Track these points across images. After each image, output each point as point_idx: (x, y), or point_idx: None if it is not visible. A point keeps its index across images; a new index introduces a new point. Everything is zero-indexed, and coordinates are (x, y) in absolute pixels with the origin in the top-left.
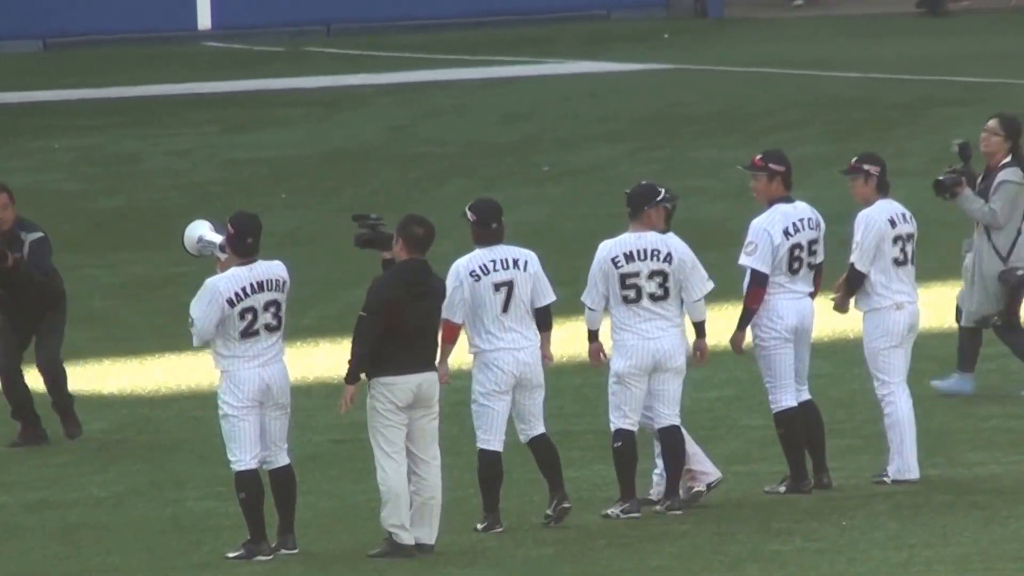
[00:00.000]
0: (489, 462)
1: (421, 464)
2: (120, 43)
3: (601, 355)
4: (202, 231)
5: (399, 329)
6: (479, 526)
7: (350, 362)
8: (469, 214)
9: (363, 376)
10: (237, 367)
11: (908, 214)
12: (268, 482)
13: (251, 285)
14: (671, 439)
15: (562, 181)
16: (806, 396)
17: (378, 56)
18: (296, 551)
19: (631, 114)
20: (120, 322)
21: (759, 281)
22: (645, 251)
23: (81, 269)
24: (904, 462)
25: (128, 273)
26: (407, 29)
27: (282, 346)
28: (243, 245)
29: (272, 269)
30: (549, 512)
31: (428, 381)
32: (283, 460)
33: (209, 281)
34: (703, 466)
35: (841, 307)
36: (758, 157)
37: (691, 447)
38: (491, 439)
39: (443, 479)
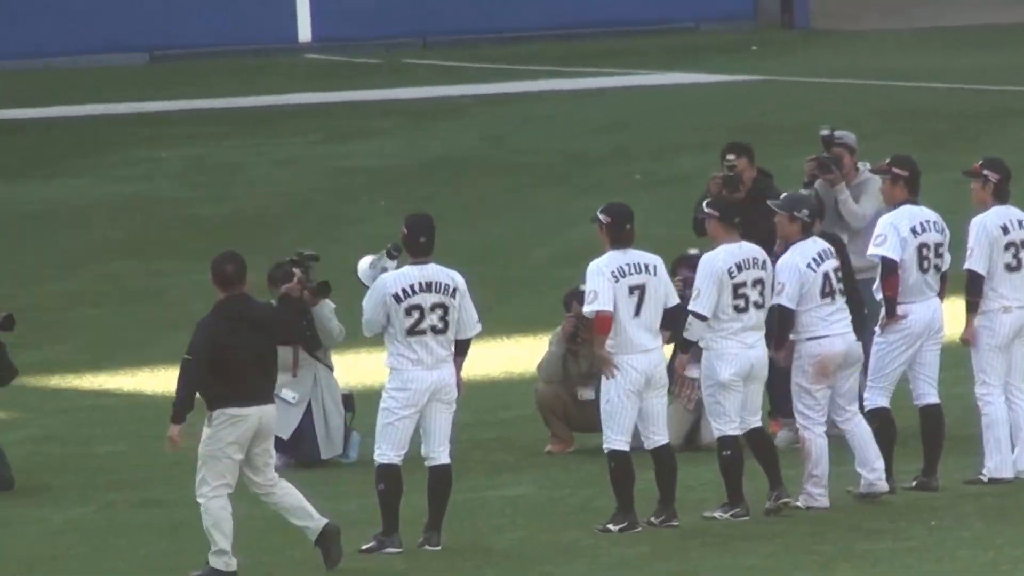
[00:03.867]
0: (620, 462)
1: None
2: (224, 55)
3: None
4: (368, 261)
5: (231, 364)
6: (613, 527)
7: (174, 404)
8: (602, 217)
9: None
10: (405, 366)
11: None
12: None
13: (419, 284)
14: (759, 439)
15: (653, 189)
16: (934, 399)
17: (473, 67)
18: (439, 548)
19: (720, 124)
20: None
21: (890, 269)
22: (749, 261)
23: (186, 275)
24: (1001, 460)
25: None
26: (501, 41)
27: (451, 349)
28: (416, 244)
29: (444, 273)
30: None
31: (268, 414)
32: (444, 459)
33: (381, 276)
34: (819, 488)
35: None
36: (886, 162)
37: (819, 467)
38: (620, 439)
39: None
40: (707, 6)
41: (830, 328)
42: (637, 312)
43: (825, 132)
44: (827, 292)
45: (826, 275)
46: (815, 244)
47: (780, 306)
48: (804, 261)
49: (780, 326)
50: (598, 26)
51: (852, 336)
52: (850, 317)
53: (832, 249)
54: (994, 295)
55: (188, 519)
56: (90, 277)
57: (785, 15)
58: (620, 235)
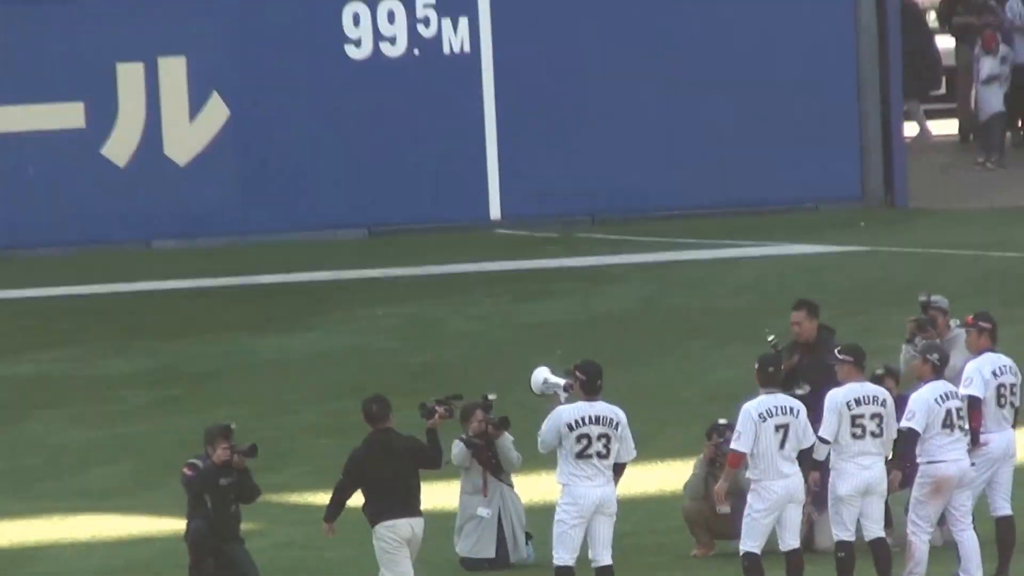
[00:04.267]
0: (752, 562)
1: None
2: (429, 231)
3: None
4: (545, 374)
5: (377, 484)
6: None
7: (327, 507)
8: (756, 364)
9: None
10: (575, 483)
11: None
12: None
13: (589, 417)
14: (881, 549)
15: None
16: (1007, 512)
17: (633, 240)
18: None
19: (834, 286)
20: None
21: (976, 405)
22: (868, 397)
23: (399, 411)
24: None
25: None
26: (655, 218)
27: (611, 471)
28: (592, 386)
29: (610, 409)
30: None
31: (417, 524)
32: (607, 560)
33: (557, 408)
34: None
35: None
36: (970, 317)
37: (919, 567)
38: (754, 545)
39: None
40: (823, 189)
41: (947, 455)
42: (781, 446)
43: (923, 298)
44: (947, 424)
45: (948, 411)
46: (944, 385)
47: (909, 428)
48: (933, 396)
49: (905, 446)
50: (738, 205)
51: (966, 462)
52: (967, 446)
53: (955, 391)
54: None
55: None
56: (319, 413)
57: (887, 196)
58: (768, 379)
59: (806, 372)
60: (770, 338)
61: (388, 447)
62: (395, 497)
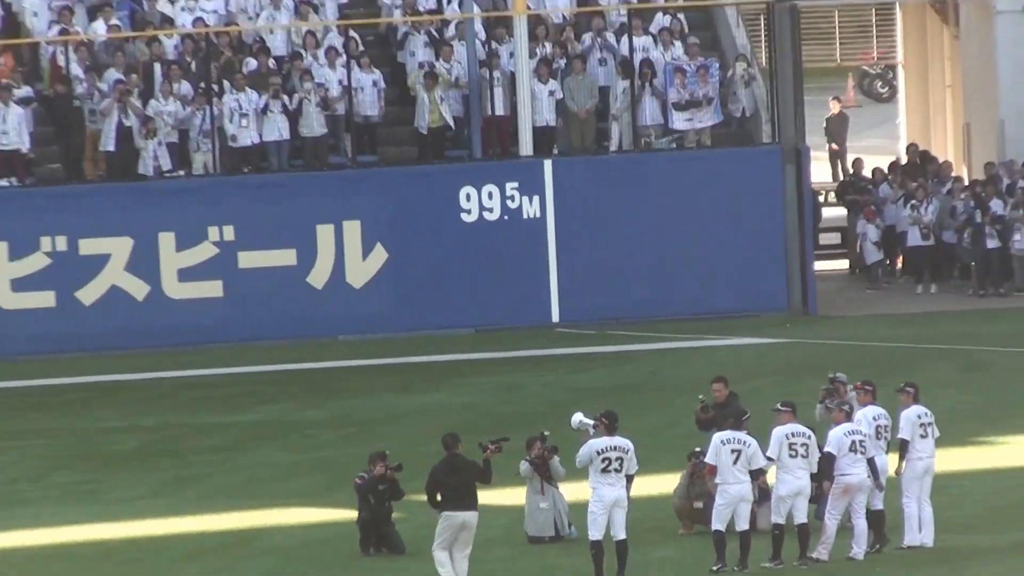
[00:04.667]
0: (718, 536)
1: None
2: (512, 328)
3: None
4: (580, 417)
5: (445, 490)
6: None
7: (429, 501)
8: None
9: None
10: (600, 487)
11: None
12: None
13: (610, 446)
14: (803, 530)
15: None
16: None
17: (643, 335)
18: None
19: (769, 365)
20: None
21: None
22: (800, 432)
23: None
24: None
25: None
26: (654, 320)
27: (623, 480)
28: (612, 426)
29: (623, 441)
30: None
31: (469, 516)
32: (623, 536)
33: (590, 440)
34: (826, 551)
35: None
36: (858, 383)
37: (830, 541)
38: (719, 525)
39: None
40: (762, 303)
41: (851, 470)
42: (735, 463)
43: (831, 375)
44: (852, 450)
45: (854, 442)
46: (851, 425)
47: (828, 452)
48: (844, 432)
49: (827, 464)
50: (703, 313)
51: (864, 476)
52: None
53: (858, 429)
54: (914, 451)
55: None
56: (440, 444)
57: (804, 307)
58: (736, 422)
59: (718, 420)
60: (700, 397)
61: (454, 466)
62: (456, 499)
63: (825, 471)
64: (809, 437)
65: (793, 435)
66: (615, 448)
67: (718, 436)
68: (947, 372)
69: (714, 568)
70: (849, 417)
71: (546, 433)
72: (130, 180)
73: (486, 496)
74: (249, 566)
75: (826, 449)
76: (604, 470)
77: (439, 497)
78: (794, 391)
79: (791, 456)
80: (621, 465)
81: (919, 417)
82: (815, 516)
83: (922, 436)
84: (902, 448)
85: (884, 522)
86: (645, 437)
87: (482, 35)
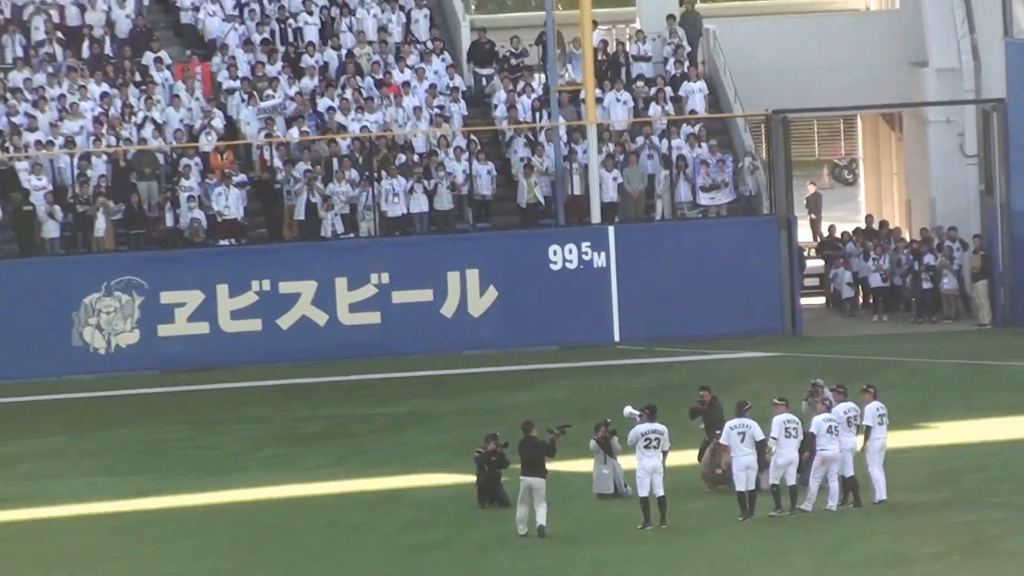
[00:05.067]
0: (741, 496)
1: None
2: (586, 345)
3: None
4: (630, 408)
5: (522, 460)
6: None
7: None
8: (735, 406)
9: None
10: (644, 459)
11: (854, 407)
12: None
13: (651, 430)
14: (793, 489)
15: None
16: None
17: (679, 350)
18: (665, 525)
19: (765, 373)
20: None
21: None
22: (792, 419)
23: (573, 428)
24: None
25: None
26: (687, 340)
27: (660, 455)
28: (652, 415)
29: (660, 426)
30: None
31: (536, 481)
32: (660, 493)
33: (636, 426)
34: (809, 505)
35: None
36: (835, 386)
37: (812, 499)
38: (741, 485)
39: None
40: (760, 326)
41: (828, 446)
42: (742, 441)
43: (813, 380)
44: (829, 431)
45: (831, 426)
46: (830, 415)
47: (810, 433)
48: (824, 419)
49: (811, 441)
50: (720, 335)
51: (837, 451)
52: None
53: (833, 417)
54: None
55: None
56: (537, 429)
57: (793, 329)
58: (740, 412)
59: (706, 415)
60: (703, 390)
61: (528, 444)
62: (528, 468)
63: (808, 447)
64: (798, 423)
65: (788, 421)
66: (654, 431)
67: (729, 423)
68: (896, 377)
69: (740, 519)
70: (828, 409)
71: (608, 420)
72: (315, 240)
73: (566, 466)
74: (402, 513)
75: (810, 431)
76: (646, 447)
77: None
78: (786, 390)
79: (786, 436)
80: (659, 443)
81: (877, 410)
82: (801, 481)
83: (879, 423)
84: (866, 432)
85: (857, 486)
86: (678, 424)
87: (564, 138)
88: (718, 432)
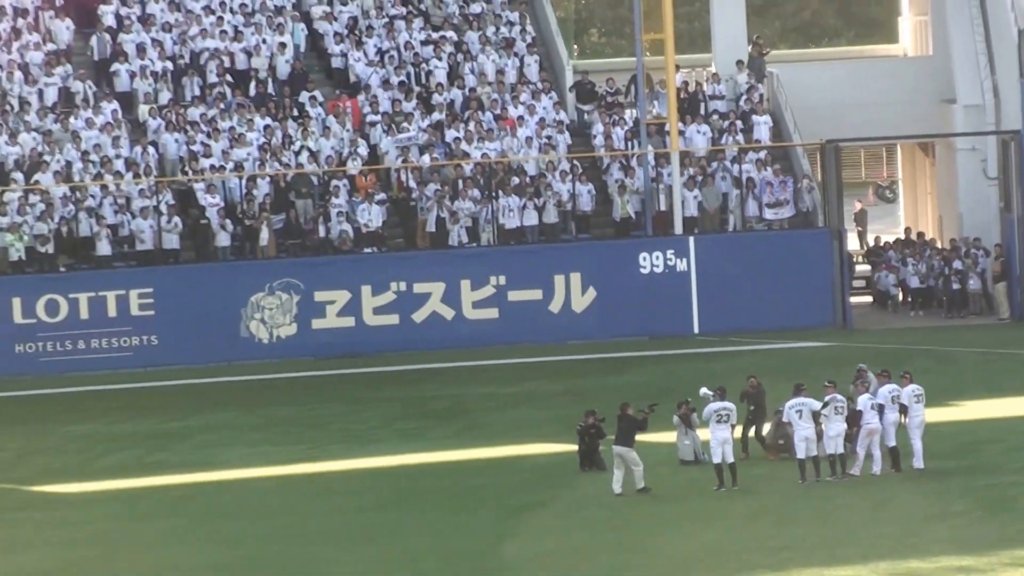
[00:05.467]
0: (799, 463)
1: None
2: (672, 336)
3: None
4: (704, 389)
5: (618, 432)
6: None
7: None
8: (793, 387)
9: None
10: (716, 431)
11: (897, 387)
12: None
13: (722, 407)
14: (842, 456)
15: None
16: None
17: (747, 340)
18: (737, 487)
19: (819, 359)
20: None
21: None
22: (839, 398)
23: (659, 407)
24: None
25: None
26: (752, 331)
27: (730, 427)
28: (723, 395)
29: (729, 403)
30: None
31: (625, 450)
32: (731, 459)
33: (709, 404)
34: (856, 470)
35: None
36: (880, 371)
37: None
38: (800, 453)
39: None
40: (816, 320)
41: (871, 421)
42: (800, 417)
43: (860, 365)
44: (873, 409)
45: (873, 404)
46: (869, 397)
47: (857, 410)
48: (867, 398)
49: (857, 417)
50: (777, 328)
51: (878, 424)
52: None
53: (874, 398)
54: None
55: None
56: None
57: (844, 323)
58: (796, 392)
59: (753, 398)
60: (751, 378)
61: (623, 419)
62: (620, 438)
63: (855, 421)
64: (843, 401)
65: (837, 399)
66: (725, 408)
67: (788, 403)
68: (930, 363)
69: (800, 482)
70: (868, 389)
71: (688, 399)
72: (443, 248)
73: (655, 437)
74: (515, 476)
75: (857, 407)
76: (718, 421)
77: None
78: (837, 374)
79: (836, 413)
80: (728, 418)
81: (913, 391)
82: (849, 449)
83: (916, 402)
84: (903, 410)
85: (899, 454)
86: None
87: (652, 163)
88: (780, 409)
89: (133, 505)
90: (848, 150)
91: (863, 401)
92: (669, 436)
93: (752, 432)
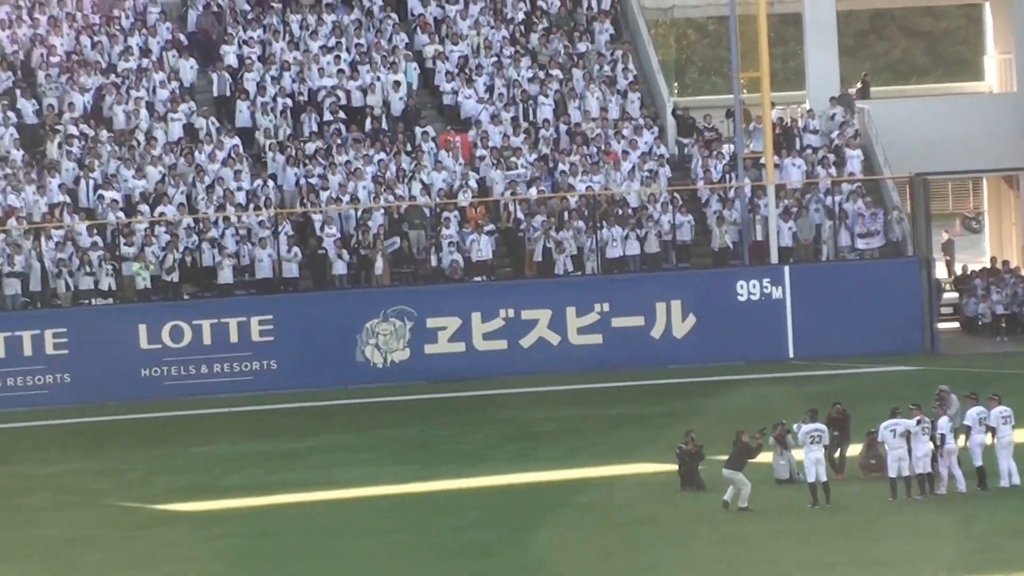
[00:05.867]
0: (890, 481)
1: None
2: (771, 360)
3: None
4: (797, 424)
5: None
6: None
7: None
8: (890, 411)
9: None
10: (809, 451)
11: (983, 409)
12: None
13: (814, 428)
14: (929, 476)
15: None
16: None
17: (834, 364)
18: (830, 505)
19: (910, 382)
20: None
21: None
22: (925, 419)
23: (764, 433)
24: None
25: None
26: (841, 357)
27: (822, 448)
28: (815, 416)
29: (820, 425)
30: None
31: (733, 473)
32: (824, 478)
33: (803, 426)
34: (943, 489)
35: None
36: (967, 392)
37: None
38: (893, 475)
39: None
40: (907, 346)
41: (952, 442)
42: (894, 436)
43: (941, 386)
44: (952, 431)
45: (952, 425)
46: (947, 419)
47: (942, 434)
48: (945, 421)
49: (939, 440)
50: (869, 352)
51: (954, 446)
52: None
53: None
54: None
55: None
56: (726, 430)
57: (932, 348)
58: (892, 414)
59: (838, 423)
60: (836, 404)
61: (737, 444)
62: (732, 462)
63: (937, 442)
64: (929, 422)
65: (920, 422)
66: (817, 430)
67: (883, 424)
68: (1016, 386)
69: (891, 499)
70: (947, 411)
71: (783, 421)
72: (550, 277)
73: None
74: (619, 494)
75: (938, 431)
76: (811, 442)
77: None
78: (925, 397)
79: (923, 433)
80: (820, 439)
81: (1002, 412)
82: (935, 469)
83: (1004, 423)
84: (991, 431)
85: (985, 474)
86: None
87: (749, 195)
88: (872, 430)
89: (254, 522)
90: (936, 183)
91: (942, 423)
92: (766, 456)
93: (836, 454)
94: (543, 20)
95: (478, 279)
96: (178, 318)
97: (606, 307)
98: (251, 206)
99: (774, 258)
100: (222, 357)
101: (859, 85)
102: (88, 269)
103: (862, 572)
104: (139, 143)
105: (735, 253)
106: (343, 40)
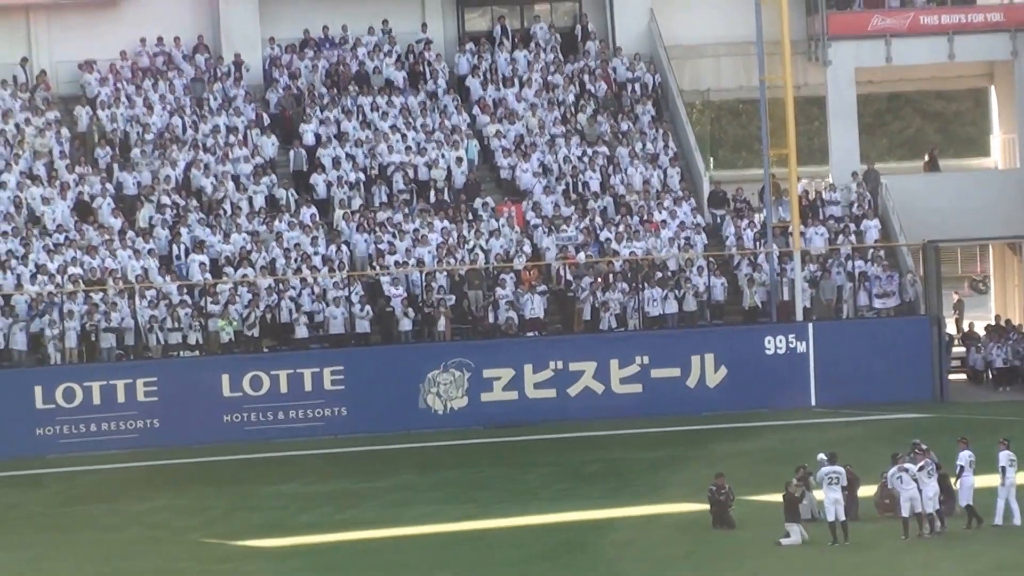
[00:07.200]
0: (903, 520)
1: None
2: (792, 408)
3: None
4: (821, 455)
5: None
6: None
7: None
8: (891, 457)
9: None
10: (828, 491)
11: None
12: None
13: (832, 471)
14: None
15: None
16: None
17: (850, 412)
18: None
19: (920, 428)
20: None
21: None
22: (931, 462)
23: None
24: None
25: None
26: (863, 405)
27: (840, 488)
28: (833, 459)
29: (839, 467)
30: None
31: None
32: (843, 517)
33: (822, 468)
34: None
35: None
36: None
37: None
38: (904, 514)
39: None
40: (917, 395)
41: (966, 477)
42: (900, 481)
43: (960, 439)
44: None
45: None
46: (966, 455)
47: (943, 474)
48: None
49: (943, 482)
50: (882, 402)
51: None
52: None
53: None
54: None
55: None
56: (750, 472)
57: (941, 397)
58: (893, 461)
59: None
60: (847, 468)
61: (786, 495)
62: (785, 514)
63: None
64: (935, 466)
65: (929, 463)
66: (835, 471)
67: (890, 471)
68: (1017, 432)
69: (903, 537)
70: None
71: (805, 465)
72: (596, 332)
73: (774, 498)
74: (657, 532)
75: (956, 464)
76: (830, 483)
77: None
78: (935, 441)
79: (927, 476)
80: (838, 480)
81: (1009, 456)
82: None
83: (1010, 466)
84: (1002, 473)
85: (975, 512)
86: (853, 467)
87: (777, 259)
88: (885, 475)
89: (326, 557)
90: (946, 249)
91: (963, 456)
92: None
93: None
94: (591, 102)
95: (531, 334)
96: (258, 369)
97: (646, 360)
98: (326, 268)
99: (799, 316)
100: (297, 404)
101: (927, 158)
102: (177, 325)
103: None
104: (226, 212)
105: (764, 312)
106: (410, 120)
